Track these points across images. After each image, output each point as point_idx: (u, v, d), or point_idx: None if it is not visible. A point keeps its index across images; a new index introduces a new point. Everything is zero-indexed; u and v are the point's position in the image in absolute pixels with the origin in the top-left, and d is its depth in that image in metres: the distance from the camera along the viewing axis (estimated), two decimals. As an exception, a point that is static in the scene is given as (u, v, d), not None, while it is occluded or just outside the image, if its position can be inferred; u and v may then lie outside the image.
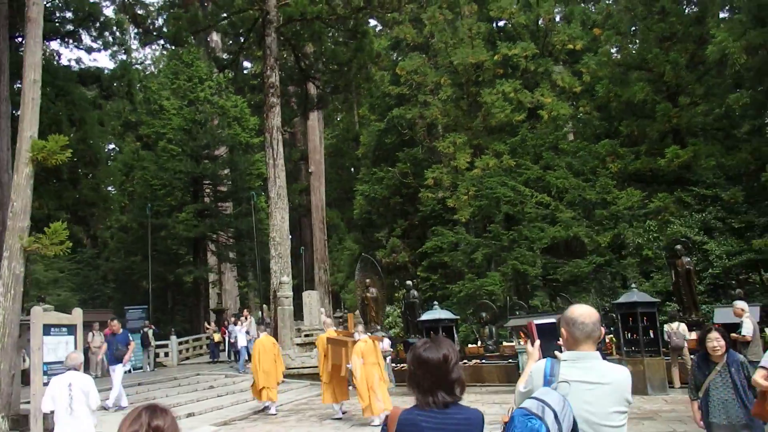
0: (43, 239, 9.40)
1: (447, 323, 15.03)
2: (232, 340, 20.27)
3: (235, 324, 18.78)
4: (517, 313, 17.48)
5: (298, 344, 18.73)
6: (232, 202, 36.73)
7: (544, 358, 2.86)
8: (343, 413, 11.27)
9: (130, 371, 15.93)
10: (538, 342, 3.02)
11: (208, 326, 24.51)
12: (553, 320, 3.17)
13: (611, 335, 14.00)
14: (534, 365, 2.84)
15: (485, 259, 22.67)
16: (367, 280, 19.58)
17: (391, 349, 16.89)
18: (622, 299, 12.92)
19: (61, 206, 24.09)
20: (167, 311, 36.49)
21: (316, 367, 18.49)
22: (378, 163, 29.81)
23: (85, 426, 6.81)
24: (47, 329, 9.25)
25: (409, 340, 16.86)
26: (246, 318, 21.55)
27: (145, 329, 21.13)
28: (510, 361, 14.90)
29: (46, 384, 8.89)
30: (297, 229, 43.72)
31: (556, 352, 2.87)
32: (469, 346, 17.82)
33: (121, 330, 12.40)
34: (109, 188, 42.46)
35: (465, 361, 15.05)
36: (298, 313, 21.81)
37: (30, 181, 9.70)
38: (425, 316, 15.12)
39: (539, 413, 2.41)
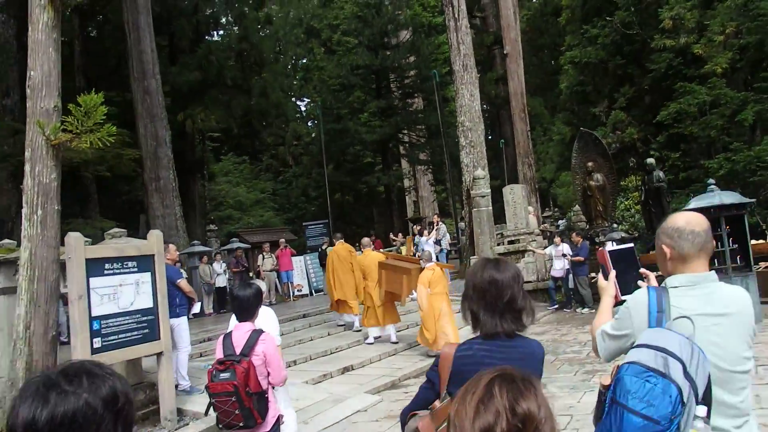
0: (70, 123, 5.92)
1: (733, 211, 9.41)
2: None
3: (421, 234, 14.91)
4: None
5: (500, 253, 14.38)
6: (421, 96, 32.69)
7: (622, 293, 2.14)
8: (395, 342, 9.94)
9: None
10: (613, 273, 2.24)
11: (394, 238, 20.68)
12: (630, 245, 2.49)
13: None
14: (630, 298, 1.99)
15: (755, 119, 16.23)
16: (590, 164, 14.29)
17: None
18: None
19: (230, 116, 21.87)
20: (361, 224, 34.42)
21: (527, 281, 14.50)
22: (589, 19, 23.06)
23: None
24: (97, 267, 5.92)
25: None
26: (436, 225, 17.70)
27: (324, 247, 17.57)
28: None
29: (98, 350, 5.78)
30: (495, 123, 38.89)
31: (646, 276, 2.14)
32: (752, 242, 11.80)
33: (176, 260, 8.36)
34: (295, 100, 41.20)
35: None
36: (500, 218, 17.51)
37: (53, 35, 6.15)
38: (695, 203, 9.53)
39: (660, 368, 1.59)
